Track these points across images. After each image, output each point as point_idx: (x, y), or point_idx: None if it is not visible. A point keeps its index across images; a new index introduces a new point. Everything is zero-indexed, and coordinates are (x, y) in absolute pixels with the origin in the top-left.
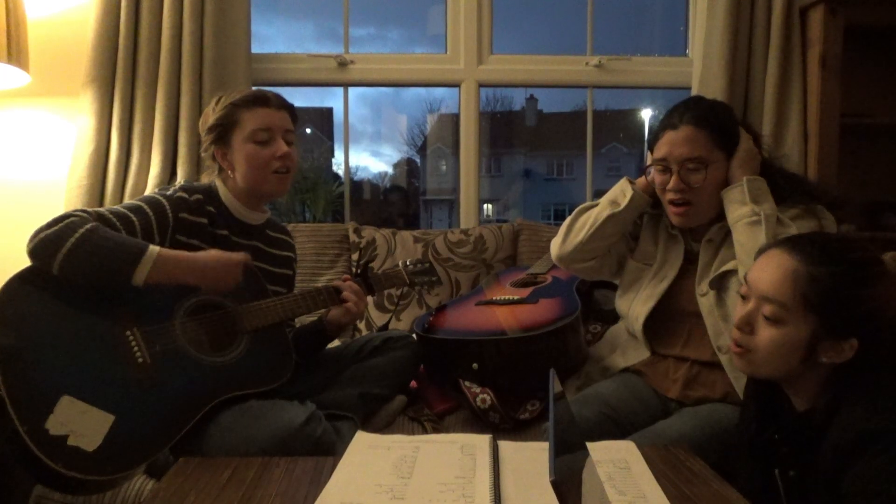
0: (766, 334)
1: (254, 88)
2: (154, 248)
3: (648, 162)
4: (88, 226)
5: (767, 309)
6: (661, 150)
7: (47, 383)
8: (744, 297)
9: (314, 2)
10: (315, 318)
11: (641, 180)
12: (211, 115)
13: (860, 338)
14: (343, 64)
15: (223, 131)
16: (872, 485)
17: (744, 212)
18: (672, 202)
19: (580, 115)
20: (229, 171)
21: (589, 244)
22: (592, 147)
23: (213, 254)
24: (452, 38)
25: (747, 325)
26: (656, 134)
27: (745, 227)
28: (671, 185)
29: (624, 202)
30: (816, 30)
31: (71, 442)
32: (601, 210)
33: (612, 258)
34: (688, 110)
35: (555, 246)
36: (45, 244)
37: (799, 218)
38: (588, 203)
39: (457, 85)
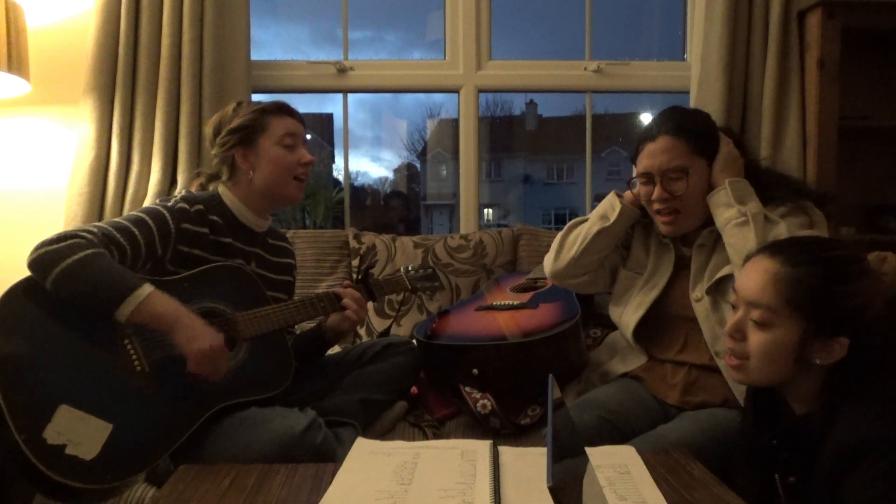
0: (756, 339)
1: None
2: (146, 289)
3: (633, 175)
4: (91, 251)
5: (755, 314)
6: (643, 162)
7: (45, 392)
8: (734, 307)
9: (310, 5)
10: (314, 325)
11: (629, 193)
12: (234, 118)
13: (850, 336)
14: (342, 70)
15: (249, 133)
16: (872, 491)
17: (730, 214)
18: (659, 212)
19: (580, 120)
20: (249, 172)
21: (581, 259)
22: (592, 151)
23: (207, 333)
24: (451, 44)
25: (738, 332)
26: (636, 147)
27: (734, 229)
28: (655, 195)
29: (613, 216)
30: (814, 33)
31: (69, 451)
32: (591, 225)
33: (606, 271)
34: (664, 122)
35: (548, 262)
36: (45, 259)
37: (788, 215)
38: (579, 218)
39: (456, 91)
